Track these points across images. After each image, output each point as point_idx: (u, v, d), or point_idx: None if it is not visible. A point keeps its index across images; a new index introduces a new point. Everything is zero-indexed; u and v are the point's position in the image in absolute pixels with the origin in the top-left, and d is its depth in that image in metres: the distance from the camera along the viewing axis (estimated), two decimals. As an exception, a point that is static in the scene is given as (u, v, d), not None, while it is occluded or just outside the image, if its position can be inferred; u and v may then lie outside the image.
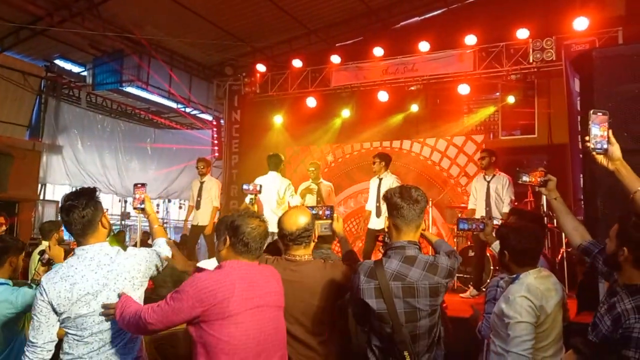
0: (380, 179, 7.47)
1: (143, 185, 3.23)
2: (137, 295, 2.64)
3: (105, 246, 2.65)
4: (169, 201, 16.67)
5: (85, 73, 12.46)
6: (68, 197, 2.66)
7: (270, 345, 2.45)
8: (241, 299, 2.38)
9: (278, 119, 11.72)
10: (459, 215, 3.07)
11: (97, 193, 2.75)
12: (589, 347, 2.04)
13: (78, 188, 2.76)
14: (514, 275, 2.87)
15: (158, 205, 16.91)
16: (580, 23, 8.44)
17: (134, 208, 3.23)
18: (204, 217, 8.24)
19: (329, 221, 3.30)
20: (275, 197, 7.10)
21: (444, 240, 3.04)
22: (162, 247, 2.93)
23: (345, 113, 11.14)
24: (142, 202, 3.19)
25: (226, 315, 2.34)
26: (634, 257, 2.37)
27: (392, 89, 10.40)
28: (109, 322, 2.55)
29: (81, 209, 2.60)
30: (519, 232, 2.87)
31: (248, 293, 2.42)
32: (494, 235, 3.00)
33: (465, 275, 7.61)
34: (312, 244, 2.96)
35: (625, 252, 2.38)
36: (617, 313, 2.33)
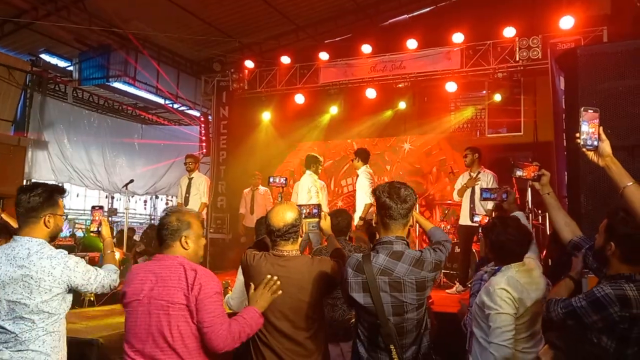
0: (358, 176, 7.57)
1: (101, 207, 3.23)
2: (42, 299, 2.57)
3: (32, 241, 2.63)
4: (157, 197, 16.59)
5: (71, 68, 12.32)
6: (33, 182, 2.77)
7: (157, 333, 2.45)
8: (137, 289, 2.52)
9: (266, 116, 11.70)
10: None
11: (61, 194, 2.76)
12: (564, 340, 2.09)
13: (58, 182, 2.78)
14: (496, 267, 2.93)
15: (145, 201, 16.82)
16: (566, 22, 8.52)
17: (91, 231, 3.20)
18: None
19: (317, 219, 3.31)
20: (305, 195, 7.43)
21: (438, 228, 3.04)
22: (106, 274, 2.85)
23: (334, 110, 11.19)
24: (100, 225, 3.14)
25: (126, 302, 2.55)
26: (620, 252, 2.44)
27: (380, 86, 10.42)
28: (15, 318, 2.54)
29: (31, 194, 2.64)
30: (503, 229, 2.89)
31: (144, 284, 2.51)
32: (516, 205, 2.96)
33: (451, 271, 7.67)
34: (300, 240, 2.97)
35: (612, 246, 2.44)
36: None
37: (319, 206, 3.37)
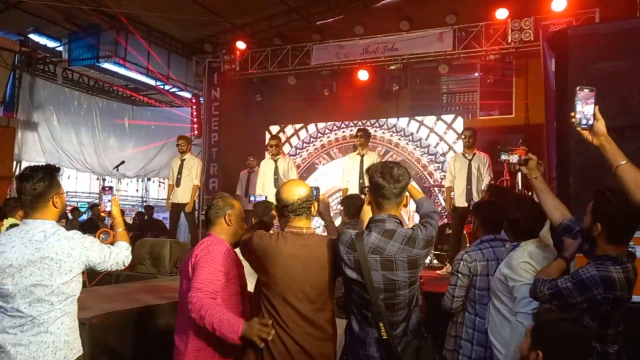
0: (362, 156, 7.47)
1: (110, 188, 3.25)
2: (63, 280, 2.59)
3: (46, 224, 2.64)
4: (148, 179, 16.49)
5: (60, 48, 12.16)
6: (27, 168, 2.73)
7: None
8: None
9: (258, 97, 11.65)
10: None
11: (59, 172, 2.77)
12: (548, 314, 2.13)
13: (44, 163, 2.79)
14: (515, 243, 2.97)
15: (137, 188, 16.74)
16: (559, 4, 8.54)
17: (102, 212, 3.21)
18: (185, 194, 8.25)
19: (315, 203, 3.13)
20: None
21: (426, 198, 3.00)
22: (119, 251, 2.91)
23: (326, 92, 11.12)
24: (108, 204, 3.16)
25: None
26: (606, 232, 2.44)
27: (372, 68, 10.42)
28: (33, 301, 2.54)
29: (35, 181, 2.63)
30: (519, 205, 2.95)
31: None
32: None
33: (441, 252, 7.73)
34: (311, 218, 2.87)
35: (598, 227, 2.45)
36: None
37: (317, 189, 3.18)
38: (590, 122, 2.41)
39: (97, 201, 3.60)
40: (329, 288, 2.75)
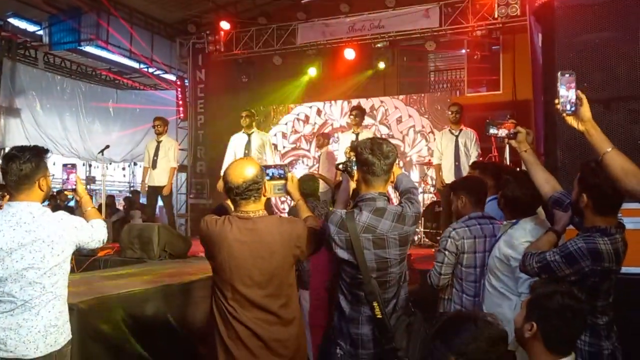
0: (357, 134, 7.35)
1: (73, 166, 3.09)
2: (55, 262, 2.57)
3: (33, 205, 2.59)
4: (135, 164, 16.33)
5: (41, 32, 11.93)
6: (14, 148, 2.66)
7: None
8: None
9: (244, 78, 11.54)
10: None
11: (46, 154, 2.71)
12: (544, 286, 2.12)
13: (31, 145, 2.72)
14: (514, 221, 2.95)
15: (124, 168, 16.59)
16: (544, -23, 8.46)
17: (64, 190, 3.13)
18: (162, 177, 7.97)
19: (283, 181, 2.94)
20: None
21: (405, 174, 2.93)
22: (99, 229, 2.87)
23: (312, 71, 11.07)
24: (74, 183, 3.04)
25: None
26: (593, 204, 2.42)
27: (358, 46, 10.34)
28: (24, 284, 2.50)
29: (21, 161, 2.57)
30: (518, 184, 2.94)
31: None
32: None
33: (433, 230, 7.75)
34: (263, 199, 2.73)
35: (584, 198, 2.42)
36: None
37: (285, 167, 3.02)
38: (574, 107, 2.37)
39: (66, 186, 3.36)
40: (284, 273, 2.65)
